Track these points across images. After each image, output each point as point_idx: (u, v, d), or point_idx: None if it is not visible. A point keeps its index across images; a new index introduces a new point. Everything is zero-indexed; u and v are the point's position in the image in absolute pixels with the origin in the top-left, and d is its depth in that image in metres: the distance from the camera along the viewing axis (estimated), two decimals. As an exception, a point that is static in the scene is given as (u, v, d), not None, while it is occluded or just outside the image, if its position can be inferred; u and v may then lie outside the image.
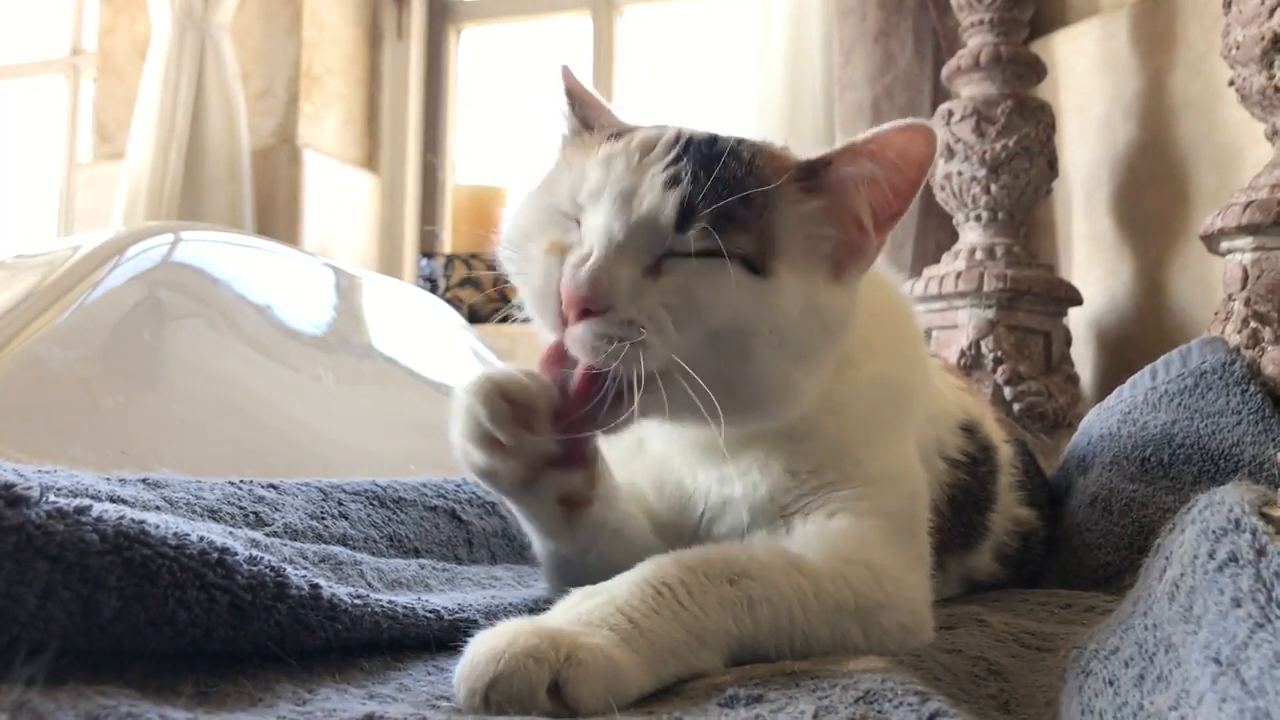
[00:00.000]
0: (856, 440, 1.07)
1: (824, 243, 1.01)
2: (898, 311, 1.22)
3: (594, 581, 0.88)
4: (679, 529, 1.12)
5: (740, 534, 1.06)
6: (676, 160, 0.97)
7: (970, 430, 1.36)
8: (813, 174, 1.01)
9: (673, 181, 0.95)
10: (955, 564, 1.36)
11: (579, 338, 0.92)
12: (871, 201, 1.01)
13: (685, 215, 0.94)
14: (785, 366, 0.98)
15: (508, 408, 0.92)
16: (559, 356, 0.96)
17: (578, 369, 0.94)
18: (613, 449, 1.10)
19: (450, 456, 1.00)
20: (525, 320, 1.05)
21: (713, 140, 1.00)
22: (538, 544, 1.08)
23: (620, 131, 1.04)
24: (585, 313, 0.91)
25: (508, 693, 0.74)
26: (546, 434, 0.95)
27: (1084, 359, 2.81)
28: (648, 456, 1.14)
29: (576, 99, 1.14)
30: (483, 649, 0.76)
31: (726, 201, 0.94)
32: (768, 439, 1.05)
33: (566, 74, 1.15)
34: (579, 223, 0.99)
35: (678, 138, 1.00)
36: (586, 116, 1.12)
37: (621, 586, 0.85)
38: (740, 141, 1.02)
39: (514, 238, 1.05)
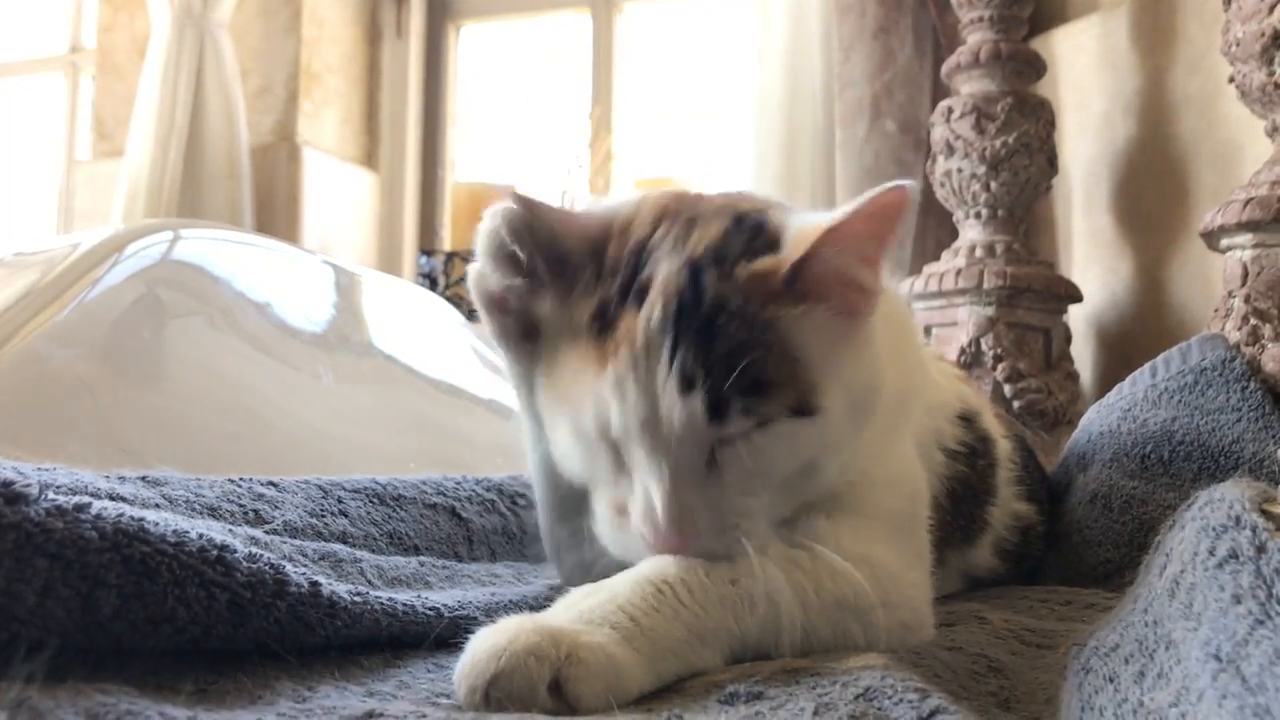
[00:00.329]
0: (858, 451, 1.06)
1: (836, 325, 0.96)
2: (891, 303, 1.21)
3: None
4: None
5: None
6: (675, 348, 0.90)
7: (968, 420, 1.36)
8: (802, 275, 0.94)
9: (687, 386, 0.89)
10: (955, 558, 1.36)
11: (695, 559, 0.90)
12: (867, 263, 0.96)
13: (716, 406, 0.89)
14: (845, 458, 0.99)
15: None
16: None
17: None
18: None
19: (450, 454, 1.00)
20: None
21: (697, 298, 0.92)
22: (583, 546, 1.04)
23: (605, 296, 0.96)
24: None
25: (508, 690, 0.74)
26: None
27: (1084, 356, 2.81)
28: None
29: (533, 234, 1.00)
30: (483, 646, 0.76)
31: (747, 375, 0.89)
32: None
33: (511, 213, 1.01)
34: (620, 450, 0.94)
35: (665, 318, 0.91)
36: (558, 255, 1.00)
37: (623, 585, 0.85)
38: (722, 288, 0.93)
39: (576, 469, 1.00)
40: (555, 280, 0.99)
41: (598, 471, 0.96)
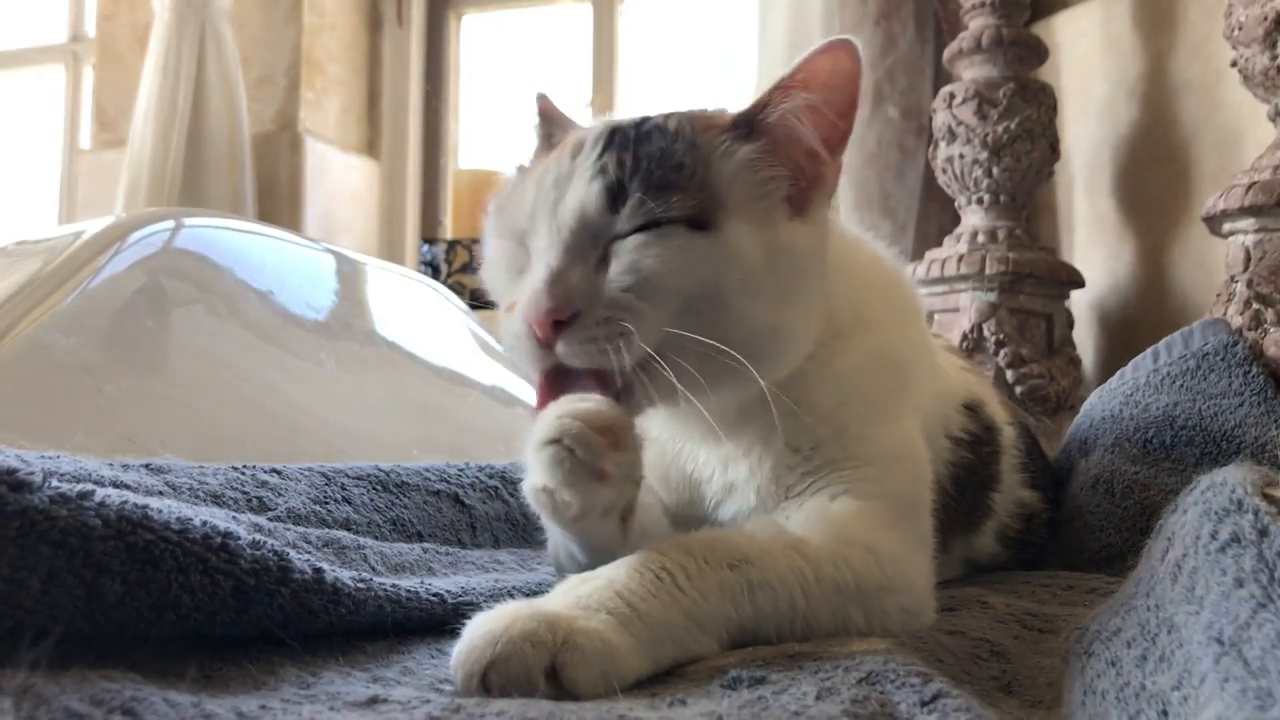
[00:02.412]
0: (857, 414, 1.07)
1: (775, 184, 1.01)
2: (898, 286, 1.22)
3: None
4: (689, 516, 1.12)
5: (747, 517, 1.06)
6: (603, 152, 0.99)
7: (974, 409, 1.36)
8: (750, 123, 1.02)
9: (599, 172, 0.97)
10: (959, 544, 1.36)
11: (567, 351, 0.94)
12: (818, 128, 1.01)
13: (615, 198, 0.96)
14: (769, 311, 0.99)
15: (600, 438, 0.90)
16: (548, 391, 0.97)
17: (589, 382, 0.95)
18: None
19: (453, 441, 1.00)
20: None
21: (641, 121, 1.02)
22: (583, 558, 1.03)
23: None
24: (559, 327, 0.93)
25: (505, 676, 0.74)
26: (637, 446, 0.94)
27: (1086, 341, 2.80)
28: (650, 448, 1.14)
29: (549, 119, 1.16)
30: (480, 632, 0.76)
31: (654, 173, 0.96)
32: (768, 413, 1.03)
33: (541, 100, 1.17)
34: (528, 249, 1.01)
35: (604, 130, 1.01)
36: (554, 134, 1.13)
37: (621, 571, 0.85)
38: (669, 115, 1.03)
39: (488, 285, 1.08)
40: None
41: (508, 277, 1.03)
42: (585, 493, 0.91)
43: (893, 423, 1.11)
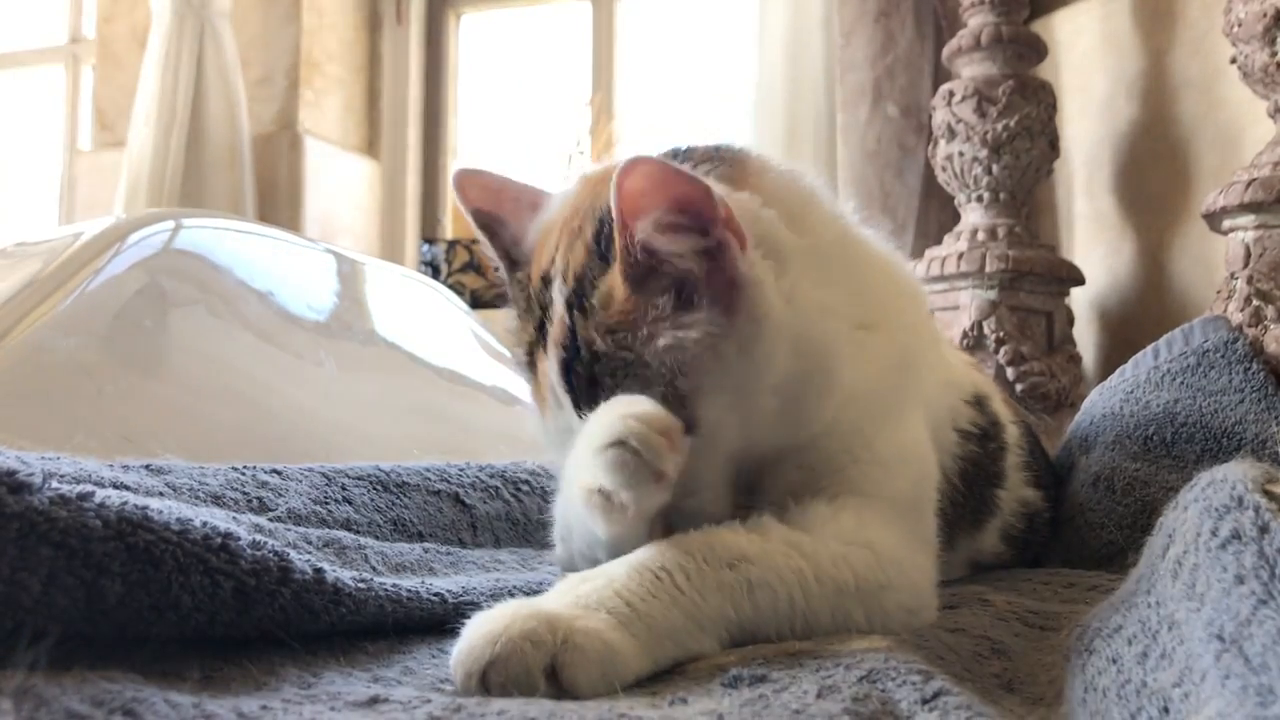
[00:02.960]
0: (863, 414, 1.06)
1: (708, 325, 0.96)
2: (902, 283, 1.21)
3: None
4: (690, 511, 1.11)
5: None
6: (577, 402, 0.99)
7: (980, 403, 1.35)
8: (638, 280, 0.96)
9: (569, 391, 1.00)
10: (964, 542, 1.35)
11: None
12: (665, 233, 0.94)
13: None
14: (807, 396, 1.01)
15: (663, 439, 0.89)
16: None
17: None
18: None
19: (453, 441, 1.00)
20: None
21: (576, 348, 0.99)
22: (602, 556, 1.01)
23: (530, 338, 1.07)
24: None
25: (504, 675, 0.74)
26: (685, 448, 0.93)
27: (1086, 339, 2.80)
28: None
29: (487, 218, 1.14)
30: (479, 631, 0.76)
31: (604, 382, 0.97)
32: None
33: (458, 179, 1.12)
34: None
35: (559, 373, 1.00)
36: (510, 234, 1.13)
37: (620, 570, 0.85)
38: (585, 323, 0.99)
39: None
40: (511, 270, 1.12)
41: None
42: (643, 494, 0.89)
43: (898, 423, 1.10)
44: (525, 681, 0.74)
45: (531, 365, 1.06)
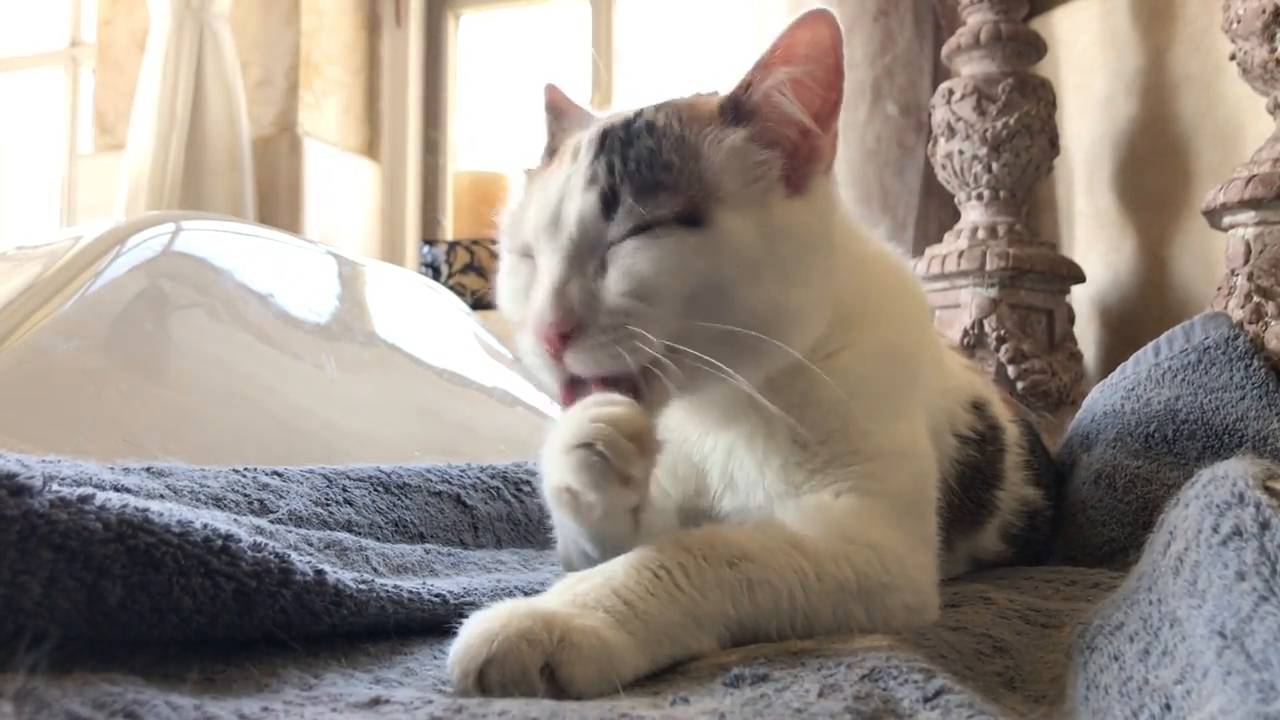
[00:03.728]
0: (863, 408, 1.06)
1: (768, 165, 1.01)
2: (903, 282, 1.22)
3: None
4: (694, 508, 1.11)
5: (751, 512, 1.06)
6: (595, 157, 0.99)
7: (979, 408, 1.36)
8: (736, 106, 1.02)
9: (591, 180, 0.98)
10: (963, 542, 1.36)
11: (576, 360, 0.95)
12: (805, 102, 1.01)
13: (609, 205, 0.96)
14: (775, 292, 0.98)
15: (630, 443, 0.90)
16: (570, 398, 0.97)
17: (609, 385, 0.96)
18: None
19: (454, 442, 1.00)
20: None
21: (631, 120, 1.02)
22: (595, 554, 1.02)
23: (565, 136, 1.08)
24: (565, 339, 0.94)
25: (501, 674, 0.74)
26: (657, 450, 0.94)
27: (1087, 336, 2.80)
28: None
29: (557, 112, 1.16)
30: (477, 631, 0.76)
31: (642, 174, 0.97)
32: (777, 402, 1.02)
33: (550, 90, 1.17)
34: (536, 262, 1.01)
35: (596, 134, 1.02)
36: (566, 130, 1.13)
37: (619, 569, 0.85)
38: (659, 108, 1.04)
39: (502, 303, 1.09)
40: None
41: (516, 302, 1.03)
42: (610, 496, 0.91)
43: (899, 418, 1.10)
44: (522, 680, 0.74)
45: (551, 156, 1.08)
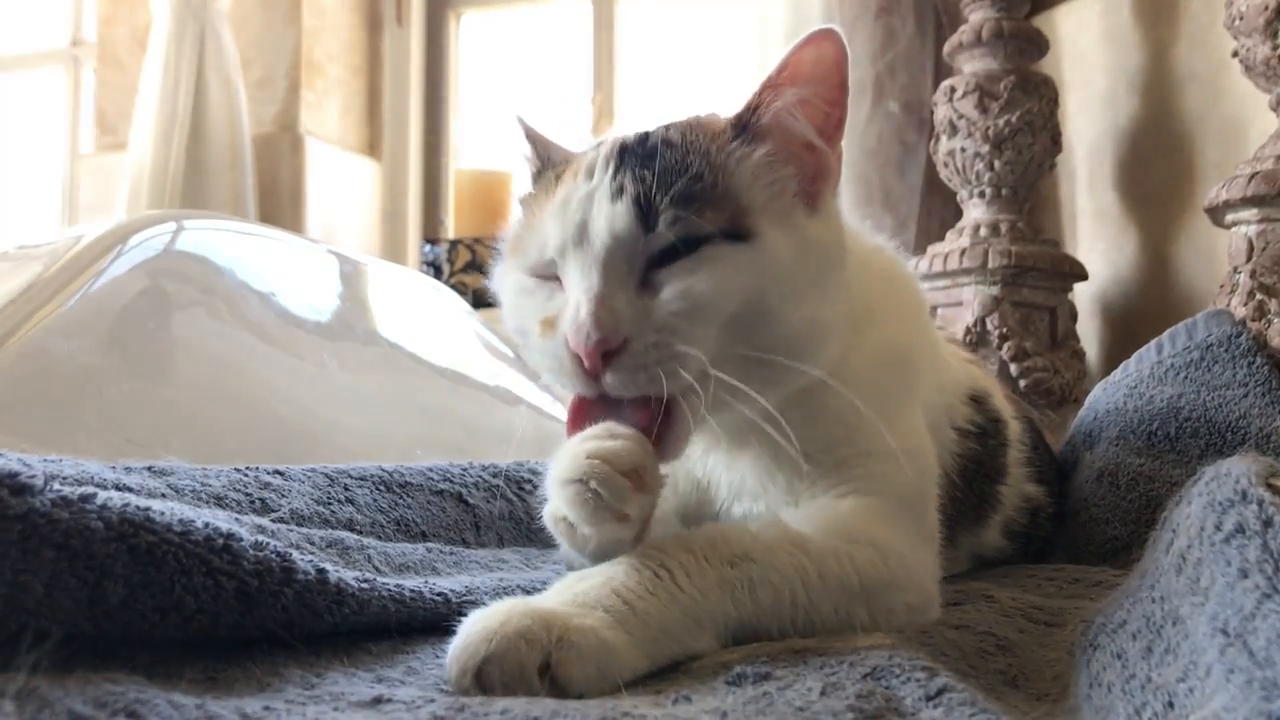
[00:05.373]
0: (868, 411, 1.06)
1: (787, 182, 1.01)
2: (901, 282, 1.22)
3: None
4: (698, 516, 1.11)
5: (756, 517, 1.06)
6: (617, 170, 0.97)
7: (980, 401, 1.35)
8: (746, 126, 1.02)
9: (619, 191, 0.95)
10: (966, 538, 1.36)
11: (617, 381, 0.92)
12: (812, 121, 1.01)
13: (646, 214, 0.94)
14: (806, 310, 0.98)
15: (626, 481, 0.88)
16: (582, 411, 0.96)
17: (628, 406, 0.94)
18: None
19: (456, 441, 1.00)
20: None
21: (644, 137, 1.01)
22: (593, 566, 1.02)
23: (571, 161, 1.06)
24: (608, 356, 0.91)
25: (499, 672, 0.74)
26: (659, 486, 0.93)
27: (1089, 334, 2.80)
28: None
29: (538, 142, 1.13)
30: (475, 629, 0.76)
31: (674, 185, 0.94)
32: (785, 417, 1.01)
33: (524, 125, 1.14)
34: (560, 280, 0.98)
35: (613, 148, 1.00)
36: (548, 156, 1.11)
37: (619, 568, 0.85)
38: (669, 127, 1.02)
39: (515, 328, 1.06)
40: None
41: (533, 311, 1.00)
42: (605, 532, 0.90)
43: (899, 418, 1.10)
44: (520, 679, 0.74)
45: (560, 175, 1.05)
